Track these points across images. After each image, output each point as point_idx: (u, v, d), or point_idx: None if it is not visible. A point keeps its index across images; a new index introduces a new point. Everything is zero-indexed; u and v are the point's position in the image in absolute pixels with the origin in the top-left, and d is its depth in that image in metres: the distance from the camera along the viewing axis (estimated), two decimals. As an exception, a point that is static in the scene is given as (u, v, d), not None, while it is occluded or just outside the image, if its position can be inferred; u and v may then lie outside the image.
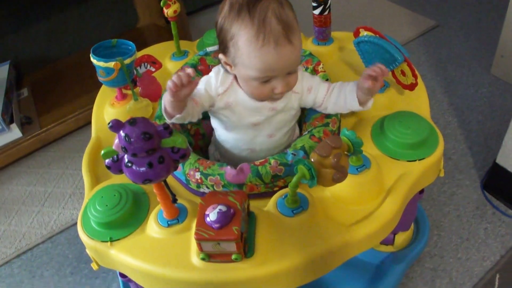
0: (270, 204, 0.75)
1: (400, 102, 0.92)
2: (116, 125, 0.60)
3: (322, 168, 0.67)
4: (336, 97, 0.84)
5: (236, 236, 0.60)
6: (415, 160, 0.81)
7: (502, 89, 1.55)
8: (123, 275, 0.88)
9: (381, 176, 0.79)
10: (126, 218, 0.77)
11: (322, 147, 0.66)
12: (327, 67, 1.05)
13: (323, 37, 1.07)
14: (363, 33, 0.90)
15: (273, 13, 0.72)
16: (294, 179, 0.67)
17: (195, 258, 0.68)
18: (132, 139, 0.59)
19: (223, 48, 0.79)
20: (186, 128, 0.95)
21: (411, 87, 0.88)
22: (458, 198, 1.22)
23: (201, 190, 0.80)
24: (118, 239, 0.76)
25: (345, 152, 0.71)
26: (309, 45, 1.09)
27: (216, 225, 0.61)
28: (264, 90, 0.78)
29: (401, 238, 1.03)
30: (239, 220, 0.62)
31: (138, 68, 1.10)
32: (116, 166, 0.64)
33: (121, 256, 0.74)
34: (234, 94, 0.82)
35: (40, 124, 1.54)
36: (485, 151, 1.34)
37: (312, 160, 0.66)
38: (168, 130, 0.62)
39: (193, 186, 0.81)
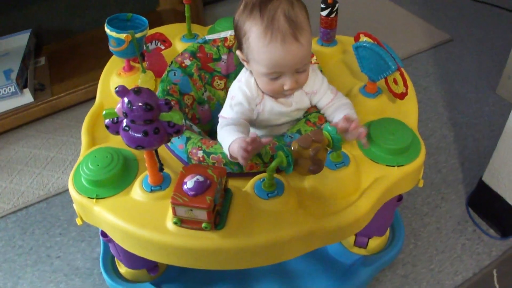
0: (249, 185, 0.79)
1: (390, 110, 0.96)
2: (122, 91, 0.66)
3: (300, 158, 0.71)
4: (330, 113, 0.89)
5: (208, 205, 0.64)
6: (394, 166, 0.85)
7: (504, 110, 1.56)
8: (104, 234, 0.94)
9: (358, 176, 0.83)
10: (113, 179, 0.82)
11: (304, 139, 0.70)
12: (327, 67, 1.09)
13: (328, 39, 1.11)
14: (363, 38, 0.94)
15: (282, 12, 0.77)
16: (272, 163, 0.72)
17: (169, 223, 0.73)
18: (134, 107, 0.64)
19: (239, 44, 0.84)
20: (184, 111, 1.00)
21: (401, 96, 0.91)
22: (441, 211, 1.25)
23: None
24: (104, 198, 0.81)
25: (326, 147, 0.75)
26: (313, 44, 1.13)
27: (192, 193, 0.66)
28: (274, 86, 0.83)
29: (375, 242, 1.06)
30: (213, 191, 0.66)
31: (149, 44, 1.15)
32: (114, 127, 0.69)
33: (104, 213, 0.79)
34: (264, 102, 0.87)
35: (52, 92, 1.60)
36: (476, 168, 1.36)
37: (292, 148, 0.71)
38: (168, 105, 0.67)
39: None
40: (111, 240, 0.93)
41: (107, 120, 0.70)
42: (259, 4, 0.78)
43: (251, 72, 0.87)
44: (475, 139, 1.46)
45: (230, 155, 0.78)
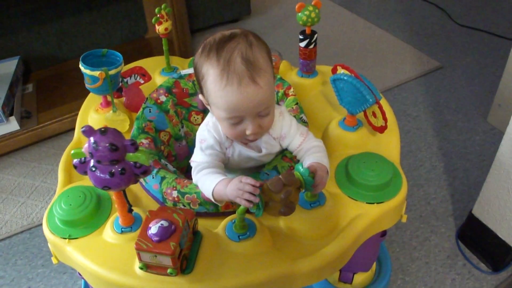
0: (220, 226, 0.77)
1: (371, 143, 0.93)
2: (88, 131, 0.64)
3: (270, 200, 0.69)
4: (301, 157, 0.85)
5: (172, 251, 0.62)
6: (373, 203, 0.82)
7: (495, 139, 1.54)
8: (81, 274, 0.91)
9: (335, 215, 0.80)
10: (86, 219, 0.80)
11: (274, 183, 0.68)
12: (307, 99, 1.08)
13: (307, 70, 1.10)
14: (340, 70, 0.92)
15: (239, 53, 0.73)
16: (241, 206, 0.69)
17: (138, 268, 0.70)
18: (99, 147, 0.63)
19: (200, 88, 0.80)
20: (160, 149, 0.98)
21: (381, 129, 0.89)
22: (430, 244, 1.22)
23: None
24: (76, 238, 0.79)
25: (298, 188, 0.72)
26: (293, 76, 1.12)
27: (156, 238, 0.63)
28: (236, 131, 0.78)
29: (360, 278, 1.03)
30: (178, 237, 0.64)
31: (128, 78, 1.14)
32: (82, 167, 0.67)
33: (75, 254, 0.77)
34: (233, 146, 0.84)
35: (38, 120, 1.60)
36: (467, 200, 1.33)
37: (261, 192, 0.68)
38: (134, 146, 0.65)
39: (169, 204, 0.82)
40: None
41: (75, 160, 0.68)
42: (216, 46, 0.75)
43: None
44: (465, 170, 1.44)
45: (215, 199, 0.75)
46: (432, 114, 1.68)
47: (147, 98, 1.02)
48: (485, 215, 1.15)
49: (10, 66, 1.69)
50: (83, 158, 0.67)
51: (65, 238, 0.79)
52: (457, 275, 1.14)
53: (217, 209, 0.80)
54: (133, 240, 0.74)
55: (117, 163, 0.65)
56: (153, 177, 0.85)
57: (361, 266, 1.00)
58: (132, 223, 0.77)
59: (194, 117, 1.07)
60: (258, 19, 2.34)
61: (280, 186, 0.67)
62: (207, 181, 0.76)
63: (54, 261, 0.86)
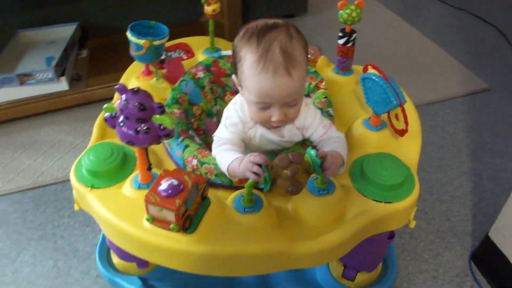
0: (230, 198, 0.81)
1: (391, 145, 0.94)
2: (122, 89, 0.71)
3: (279, 177, 0.72)
4: (320, 148, 0.86)
5: (176, 208, 0.67)
6: (381, 202, 0.84)
7: (531, 168, 1.49)
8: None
9: (342, 206, 0.82)
10: (109, 173, 0.87)
11: (282, 158, 0.71)
12: (338, 96, 1.10)
13: (343, 67, 1.12)
14: (371, 70, 0.94)
15: (278, 44, 0.76)
16: (250, 180, 0.73)
17: (146, 221, 0.76)
18: (129, 105, 0.69)
19: (235, 69, 0.84)
20: (190, 121, 1.03)
21: (402, 132, 0.90)
22: (442, 260, 1.21)
23: None
24: (98, 188, 0.85)
25: (307, 170, 0.75)
26: (328, 72, 1.14)
27: (164, 194, 0.68)
28: (262, 115, 0.82)
29: (363, 277, 1.04)
30: (184, 196, 0.68)
31: (173, 52, 1.20)
32: (111, 121, 0.74)
33: (94, 201, 0.84)
34: (256, 128, 0.88)
35: (87, 83, 1.70)
36: (489, 223, 1.29)
37: (271, 168, 0.71)
38: (161, 109, 0.70)
39: (188, 171, 0.87)
40: (103, 229, 0.98)
41: (106, 114, 0.74)
42: (257, 32, 0.78)
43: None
44: (493, 193, 1.40)
45: (229, 174, 0.79)
46: (470, 134, 1.64)
47: (186, 72, 1.07)
48: (500, 239, 1.12)
49: (68, 30, 1.81)
50: (113, 113, 0.74)
51: (88, 187, 0.86)
52: (463, 295, 1.13)
53: (231, 182, 0.84)
54: (147, 197, 0.80)
55: (143, 122, 0.70)
56: (177, 144, 0.90)
57: (366, 265, 1.01)
58: (149, 181, 0.82)
59: (229, 97, 1.11)
60: (313, 18, 2.36)
61: (286, 162, 0.70)
62: (224, 157, 0.80)
63: (76, 207, 0.93)
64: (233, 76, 0.87)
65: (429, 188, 1.41)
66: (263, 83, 0.77)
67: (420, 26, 2.29)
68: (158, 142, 0.74)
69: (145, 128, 0.71)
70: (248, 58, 0.78)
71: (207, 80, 1.08)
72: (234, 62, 0.84)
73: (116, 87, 0.72)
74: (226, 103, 1.12)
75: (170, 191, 0.68)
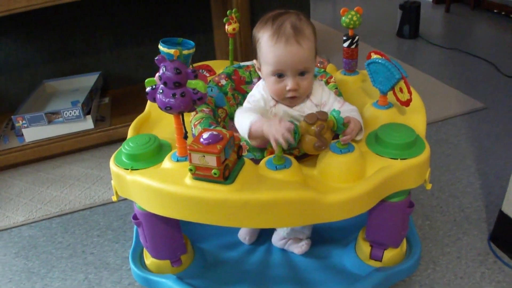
0: (261, 162, 0.89)
1: (400, 120, 1.04)
2: (161, 59, 0.83)
3: (306, 134, 0.82)
4: None
5: (218, 151, 0.75)
6: (397, 159, 0.92)
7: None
8: (135, 217, 1.05)
9: (362, 163, 0.90)
10: (147, 155, 0.96)
11: (310, 116, 0.82)
12: (348, 92, 1.22)
13: (349, 68, 1.25)
14: (374, 56, 1.06)
15: (289, 22, 0.93)
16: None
17: (187, 180, 0.83)
18: (167, 70, 0.80)
19: (255, 53, 1.00)
20: (217, 121, 1.13)
21: (407, 103, 1.01)
22: (462, 243, 1.25)
23: None
24: (137, 169, 0.93)
25: (331, 129, 0.85)
26: (337, 75, 1.27)
27: (206, 142, 0.77)
28: (278, 86, 0.95)
29: (390, 254, 1.08)
30: (224, 143, 0.77)
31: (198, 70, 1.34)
32: (152, 93, 0.85)
33: (136, 177, 0.91)
34: (277, 106, 1.00)
35: (111, 122, 1.83)
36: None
37: (299, 126, 0.82)
38: (194, 73, 0.82)
39: None
40: (140, 224, 1.04)
41: (148, 88, 0.86)
42: (272, 17, 0.95)
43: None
44: (501, 187, 1.47)
45: (250, 134, 0.88)
46: (473, 143, 1.74)
47: (210, 80, 1.20)
48: (516, 212, 1.18)
49: (91, 79, 1.98)
50: (154, 85, 0.85)
51: (128, 169, 0.94)
52: (487, 270, 1.16)
53: (263, 155, 0.94)
54: (186, 166, 0.88)
55: (180, 87, 0.81)
56: None
57: (391, 239, 1.06)
58: (186, 154, 0.91)
59: None
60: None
61: (314, 118, 0.81)
62: (246, 117, 0.90)
63: (113, 199, 1.01)
64: (254, 61, 1.01)
65: (440, 187, 1.48)
66: (277, 52, 0.91)
67: (418, 66, 2.49)
68: (192, 108, 0.84)
69: (181, 92, 0.81)
70: (265, 36, 0.93)
71: (229, 86, 1.20)
72: (254, 46, 0.99)
73: (156, 58, 0.84)
74: (247, 109, 1.24)
75: (210, 140, 0.77)
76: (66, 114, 1.69)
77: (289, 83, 0.94)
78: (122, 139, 1.84)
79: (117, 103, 2.01)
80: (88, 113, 1.78)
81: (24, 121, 1.68)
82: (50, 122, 1.70)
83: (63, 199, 1.56)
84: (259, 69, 1.00)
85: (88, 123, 1.76)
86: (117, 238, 1.37)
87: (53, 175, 1.70)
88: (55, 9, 1.83)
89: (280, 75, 0.94)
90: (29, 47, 1.97)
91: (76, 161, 1.78)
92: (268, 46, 0.93)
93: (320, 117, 0.83)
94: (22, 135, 1.73)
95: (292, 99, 0.98)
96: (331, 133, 0.86)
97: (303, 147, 0.85)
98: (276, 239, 1.16)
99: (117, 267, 1.27)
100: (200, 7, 2.13)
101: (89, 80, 1.98)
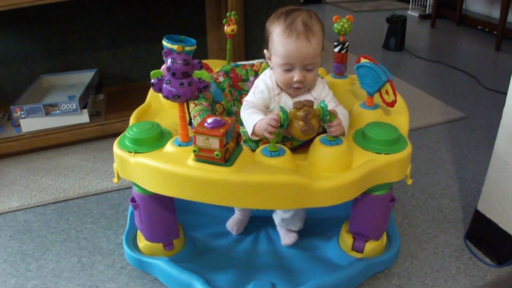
0: (258, 148, 0.97)
1: (385, 119, 1.13)
2: (168, 52, 0.89)
3: (294, 120, 0.89)
4: None
5: (221, 134, 0.82)
6: (381, 154, 1.00)
7: None
8: (133, 200, 1.10)
9: (349, 155, 0.98)
10: (150, 140, 1.02)
11: (297, 103, 0.91)
12: (337, 94, 1.29)
13: (339, 72, 1.33)
14: (363, 60, 1.15)
15: (301, 19, 1.01)
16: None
17: (190, 161, 0.90)
18: (176, 62, 0.87)
19: (266, 44, 1.08)
20: (215, 114, 1.20)
21: (392, 104, 1.09)
22: (439, 240, 1.33)
23: None
24: (140, 153, 0.99)
25: (317, 117, 0.93)
26: (327, 78, 1.35)
27: (210, 126, 0.84)
28: (286, 77, 1.04)
29: (371, 246, 1.15)
30: (226, 128, 0.84)
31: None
32: (158, 84, 0.91)
33: (139, 159, 0.97)
34: (280, 95, 1.08)
35: (105, 118, 1.88)
36: (477, 213, 1.44)
37: (288, 112, 0.90)
38: (200, 64, 0.89)
39: None
40: (137, 206, 1.10)
41: (153, 79, 0.92)
42: (285, 12, 1.03)
43: (272, 69, 1.09)
44: (478, 190, 1.55)
45: (253, 133, 0.97)
46: (453, 149, 1.83)
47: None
48: (488, 209, 1.25)
49: (87, 76, 2.04)
50: (160, 76, 0.91)
51: (131, 152, 1.00)
52: (463, 265, 1.23)
53: (257, 146, 1.01)
54: (188, 151, 0.95)
55: (187, 76, 0.88)
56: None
57: (373, 231, 1.13)
58: (188, 140, 0.98)
59: None
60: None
61: (301, 104, 0.89)
62: (250, 119, 1.00)
63: (115, 181, 1.07)
64: (265, 51, 1.09)
65: (420, 189, 1.57)
66: (288, 46, 1.00)
67: (403, 77, 2.61)
68: (197, 96, 0.91)
69: (188, 82, 0.88)
70: (277, 29, 1.02)
71: (226, 83, 1.27)
72: (266, 38, 1.07)
73: (163, 52, 0.91)
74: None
75: (215, 124, 0.84)
76: (63, 107, 1.74)
77: (296, 75, 1.02)
78: (116, 133, 1.88)
79: (111, 99, 2.06)
80: (85, 107, 1.83)
81: (22, 112, 1.72)
82: (47, 114, 1.74)
83: (58, 188, 1.60)
84: (269, 59, 1.08)
85: (84, 117, 1.81)
86: (110, 225, 1.41)
87: (48, 165, 1.74)
88: (56, 6, 1.89)
89: (288, 67, 1.02)
90: (28, 42, 2.02)
91: (70, 152, 1.82)
92: (280, 39, 1.01)
93: (306, 103, 0.91)
94: (19, 125, 1.77)
95: (296, 90, 1.06)
96: (318, 121, 0.93)
97: (292, 132, 0.92)
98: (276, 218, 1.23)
99: (110, 251, 1.31)
100: (195, 11, 2.21)
101: (85, 76, 2.03)
